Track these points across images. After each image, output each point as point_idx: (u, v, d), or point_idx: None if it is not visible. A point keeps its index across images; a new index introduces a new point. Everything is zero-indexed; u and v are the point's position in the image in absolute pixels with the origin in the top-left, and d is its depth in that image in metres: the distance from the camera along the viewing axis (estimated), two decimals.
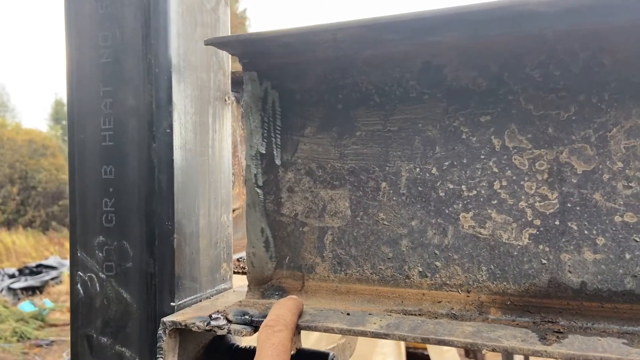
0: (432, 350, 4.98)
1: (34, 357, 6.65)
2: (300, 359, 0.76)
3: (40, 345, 7.02)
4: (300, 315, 0.67)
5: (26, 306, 8.25)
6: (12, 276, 9.60)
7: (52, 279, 9.53)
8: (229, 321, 0.69)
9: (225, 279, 0.88)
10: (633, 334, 0.59)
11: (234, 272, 0.97)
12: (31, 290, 9.11)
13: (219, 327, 0.68)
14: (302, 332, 0.81)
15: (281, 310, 0.64)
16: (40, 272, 9.79)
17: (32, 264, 10.29)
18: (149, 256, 0.73)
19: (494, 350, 0.56)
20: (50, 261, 10.45)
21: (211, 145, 0.83)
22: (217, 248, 0.85)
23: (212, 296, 0.83)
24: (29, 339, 7.22)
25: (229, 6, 0.89)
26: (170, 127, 0.73)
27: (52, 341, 7.18)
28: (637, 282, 0.60)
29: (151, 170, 0.73)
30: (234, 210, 1.08)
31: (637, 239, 0.60)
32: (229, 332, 0.68)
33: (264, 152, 0.78)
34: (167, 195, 0.73)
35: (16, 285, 9.12)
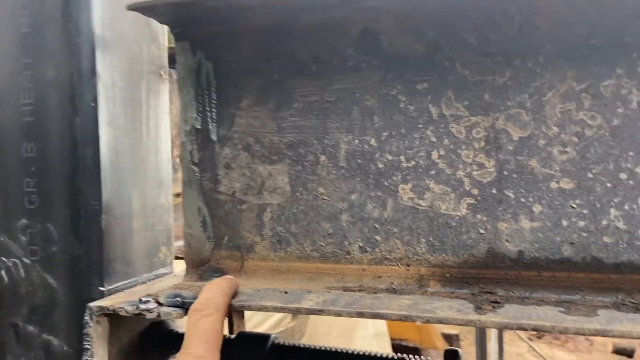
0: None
1: None
2: (242, 341, 0.73)
3: None
4: (235, 295, 0.64)
5: None
6: None
7: None
8: (160, 304, 0.65)
9: (164, 264, 0.84)
10: (571, 302, 0.57)
11: (178, 258, 0.93)
12: None
13: (149, 310, 0.65)
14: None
15: (212, 292, 0.60)
16: None
17: None
18: (74, 238, 0.69)
19: (428, 321, 0.54)
20: None
21: (145, 122, 0.79)
22: (154, 231, 0.81)
23: (150, 281, 0.79)
24: None
25: None
26: (95, 100, 0.69)
27: None
28: (574, 250, 0.59)
29: (74, 146, 0.68)
30: (179, 195, 1.04)
31: (574, 205, 0.58)
32: (158, 315, 0.64)
33: (199, 127, 0.74)
34: (93, 174, 0.69)
35: None
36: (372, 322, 4.90)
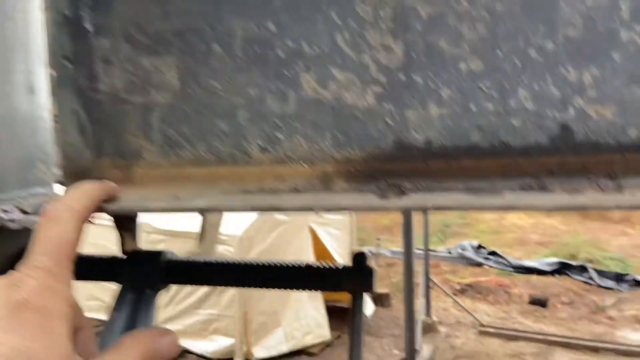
0: None
1: None
2: (133, 259, 0.66)
3: None
4: (111, 200, 0.56)
5: None
6: None
7: None
8: (26, 213, 0.56)
9: (42, 183, 0.73)
10: (479, 189, 0.54)
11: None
12: None
13: (12, 220, 0.55)
14: None
15: (73, 195, 0.50)
16: None
17: None
18: None
19: (329, 210, 0.49)
20: None
21: (11, 16, 0.67)
22: (25, 143, 0.70)
23: (23, 199, 0.69)
24: None
25: None
26: None
27: None
28: (482, 135, 0.55)
29: None
30: None
31: (483, 88, 0.55)
32: (24, 225, 0.55)
33: (69, 15, 0.63)
34: None
35: None
36: None
